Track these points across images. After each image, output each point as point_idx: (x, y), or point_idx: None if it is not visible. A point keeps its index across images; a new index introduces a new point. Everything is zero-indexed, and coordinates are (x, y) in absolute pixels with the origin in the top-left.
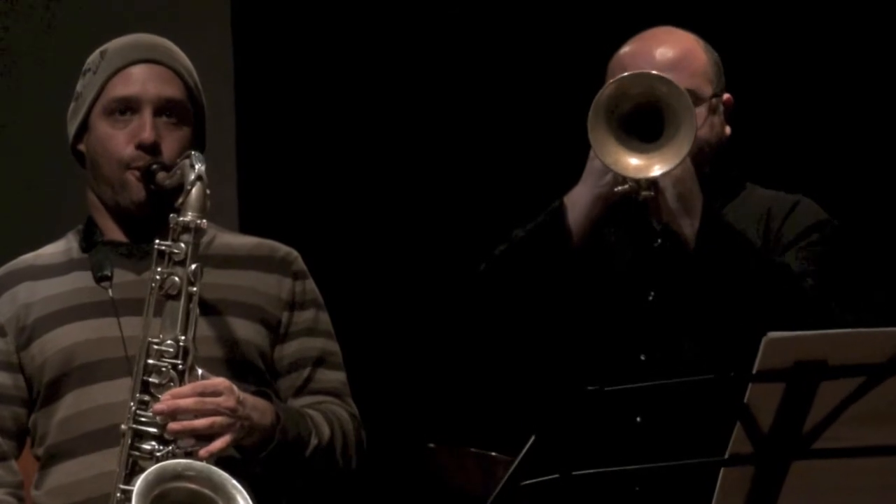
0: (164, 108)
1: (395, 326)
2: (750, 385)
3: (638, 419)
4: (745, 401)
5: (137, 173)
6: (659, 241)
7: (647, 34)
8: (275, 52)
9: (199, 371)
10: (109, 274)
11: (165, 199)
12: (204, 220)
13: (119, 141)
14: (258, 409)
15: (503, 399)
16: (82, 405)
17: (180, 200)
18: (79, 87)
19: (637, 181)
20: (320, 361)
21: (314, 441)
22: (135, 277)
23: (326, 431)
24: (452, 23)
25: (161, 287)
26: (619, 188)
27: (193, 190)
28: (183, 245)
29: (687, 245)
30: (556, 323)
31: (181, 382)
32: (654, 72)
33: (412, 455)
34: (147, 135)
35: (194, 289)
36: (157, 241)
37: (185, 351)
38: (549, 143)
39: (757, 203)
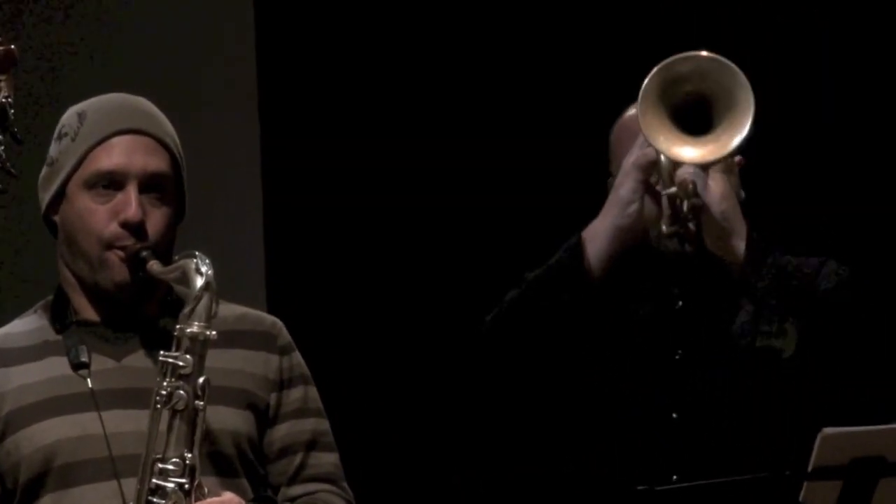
0: (149, 183)
1: (429, 383)
2: (805, 483)
3: None
4: (801, 499)
5: (121, 253)
6: (680, 303)
7: None
8: (302, 119)
9: (206, 489)
10: (87, 361)
11: (150, 284)
12: (213, 332)
13: (100, 217)
14: None
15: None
16: None
17: (187, 309)
18: (53, 152)
19: (685, 189)
20: (312, 444)
21: None
22: (115, 364)
23: None
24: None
25: (167, 401)
26: (667, 191)
27: (202, 300)
28: (189, 358)
29: (734, 268)
30: (575, 374)
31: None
32: (703, 52)
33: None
34: (132, 213)
35: (201, 404)
36: (161, 352)
37: (192, 469)
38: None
39: None
